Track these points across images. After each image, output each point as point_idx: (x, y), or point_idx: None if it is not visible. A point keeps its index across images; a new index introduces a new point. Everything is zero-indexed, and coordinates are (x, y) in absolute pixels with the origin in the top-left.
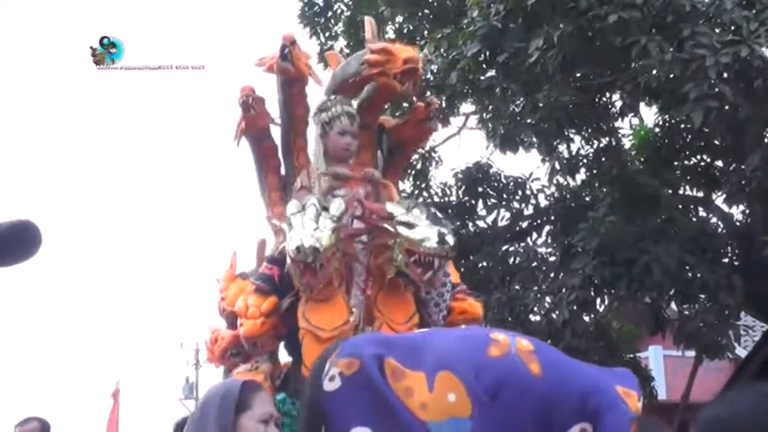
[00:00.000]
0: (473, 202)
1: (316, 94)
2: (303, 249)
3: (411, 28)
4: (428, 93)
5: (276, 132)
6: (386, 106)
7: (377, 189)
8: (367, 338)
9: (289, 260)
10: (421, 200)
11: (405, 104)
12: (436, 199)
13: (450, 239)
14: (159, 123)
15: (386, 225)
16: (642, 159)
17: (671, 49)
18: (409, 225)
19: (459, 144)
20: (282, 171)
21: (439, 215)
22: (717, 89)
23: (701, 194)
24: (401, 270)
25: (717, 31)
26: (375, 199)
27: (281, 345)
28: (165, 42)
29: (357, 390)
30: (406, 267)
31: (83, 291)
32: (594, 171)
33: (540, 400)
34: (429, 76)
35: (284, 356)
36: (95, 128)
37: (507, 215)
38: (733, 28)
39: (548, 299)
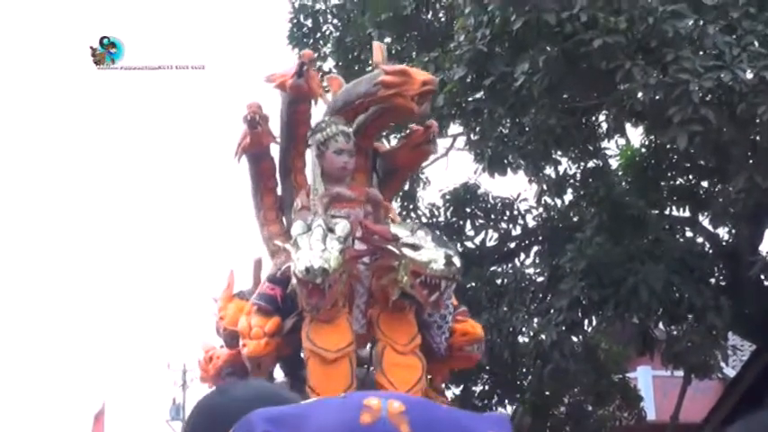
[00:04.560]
0: (461, 222)
1: (317, 116)
2: (312, 270)
3: (399, 49)
4: None
5: (275, 152)
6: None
7: (377, 210)
8: (260, 415)
9: (295, 281)
10: (408, 221)
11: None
12: (424, 220)
13: (457, 261)
14: (159, 123)
15: (390, 247)
16: (629, 180)
17: (655, 74)
18: (415, 247)
19: (447, 165)
20: (279, 191)
21: (444, 238)
22: (700, 113)
23: (687, 215)
24: (406, 291)
25: (700, 55)
26: (376, 220)
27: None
28: (165, 42)
29: None
30: (411, 289)
31: (69, 309)
32: (582, 192)
33: None
34: None
35: (279, 376)
36: (95, 128)
37: (495, 236)
38: (716, 53)
39: (536, 320)
